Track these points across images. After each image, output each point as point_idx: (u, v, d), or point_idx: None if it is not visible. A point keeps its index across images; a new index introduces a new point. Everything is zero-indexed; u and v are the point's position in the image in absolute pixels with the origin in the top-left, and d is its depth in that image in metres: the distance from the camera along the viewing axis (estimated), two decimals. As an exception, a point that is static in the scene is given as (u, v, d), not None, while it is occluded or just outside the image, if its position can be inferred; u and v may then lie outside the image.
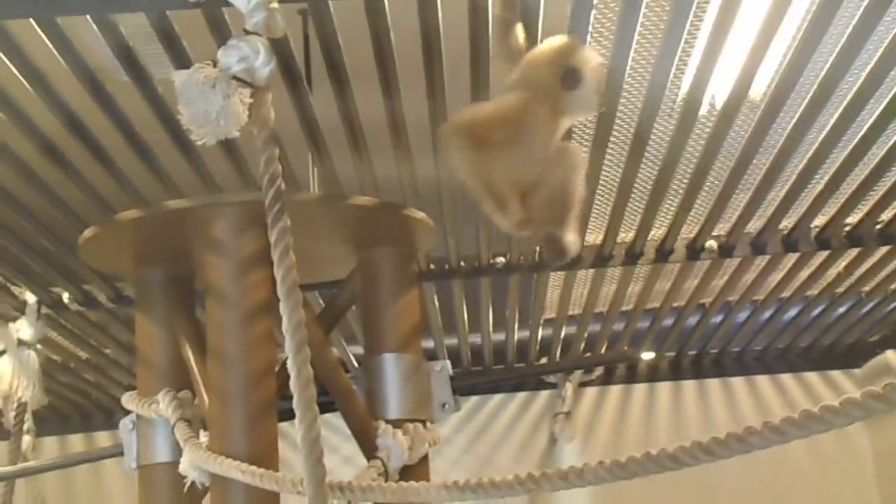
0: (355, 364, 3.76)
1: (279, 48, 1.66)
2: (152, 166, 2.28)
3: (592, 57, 1.62)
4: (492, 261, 3.06)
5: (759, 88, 2.21)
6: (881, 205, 2.83)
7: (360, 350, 3.42)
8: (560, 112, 1.60)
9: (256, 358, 1.83)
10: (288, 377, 1.44)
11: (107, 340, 3.51)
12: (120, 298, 3.06)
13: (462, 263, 3.08)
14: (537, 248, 3.02)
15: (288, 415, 1.54)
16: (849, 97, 2.20)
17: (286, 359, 1.46)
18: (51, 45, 1.76)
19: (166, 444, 2.02)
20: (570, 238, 1.62)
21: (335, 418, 2.00)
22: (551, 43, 1.63)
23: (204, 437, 1.89)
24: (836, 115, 2.29)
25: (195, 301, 2.18)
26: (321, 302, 3.05)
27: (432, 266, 3.09)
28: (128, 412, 2.11)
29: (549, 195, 1.59)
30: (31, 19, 1.66)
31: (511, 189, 1.58)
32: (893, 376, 4.13)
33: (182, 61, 1.78)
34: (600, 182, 2.57)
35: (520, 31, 1.66)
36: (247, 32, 1.45)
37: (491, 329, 3.82)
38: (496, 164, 1.56)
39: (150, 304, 2.13)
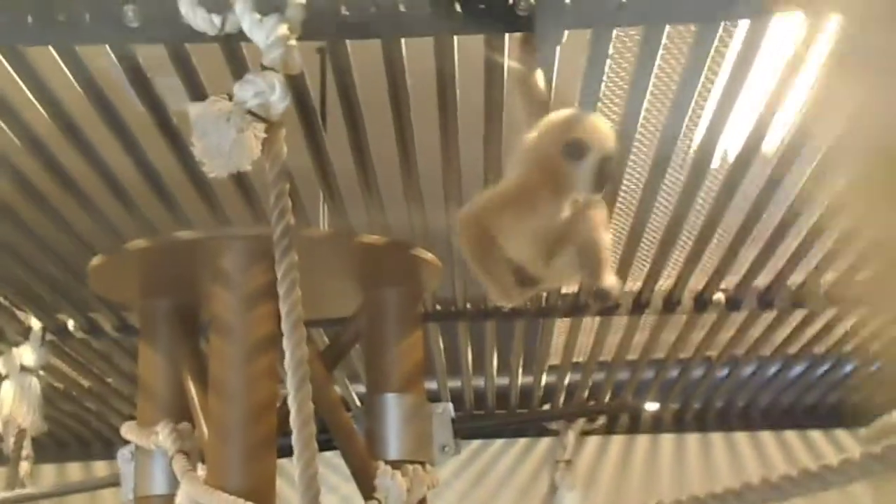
0: (357, 403, 3.74)
1: (295, 84, 1.67)
2: (163, 197, 2.29)
3: (604, 132, 1.60)
4: (498, 304, 3.05)
5: (772, 143, 2.22)
6: (890, 264, 2.82)
7: (362, 389, 3.40)
8: (566, 187, 1.58)
9: (258, 392, 1.82)
10: (289, 413, 1.43)
11: (109, 370, 3.51)
12: (125, 328, 3.06)
13: (468, 306, 3.07)
14: (544, 294, 3.02)
15: (287, 451, 1.53)
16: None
17: (287, 394, 1.46)
18: (68, 73, 1.78)
19: (163, 475, 2.01)
20: (610, 282, 1.62)
21: (335, 457, 1.99)
22: (558, 115, 1.63)
23: (202, 470, 1.88)
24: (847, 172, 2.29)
25: (199, 333, 2.18)
26: (325, 339, 3.04)
27: (438, 307, 3.09)
28: (127, 442, 2.10)
29: (580, 251, 1.59)
30: (49, 47, 1.68)
31: (527, 262, 1.59)
32: (899, 438, 4.10)
33: (198, 94, 1.80)
34: (610, 231, 2.57)
35: (540, 79, 1.66)
36: (264, 68, 1.47)
37: (495, 373, 3.80)
38: (509, 241, 1.57)
39: (155, 333, 2.12)
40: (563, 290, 3.03)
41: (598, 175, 1.57)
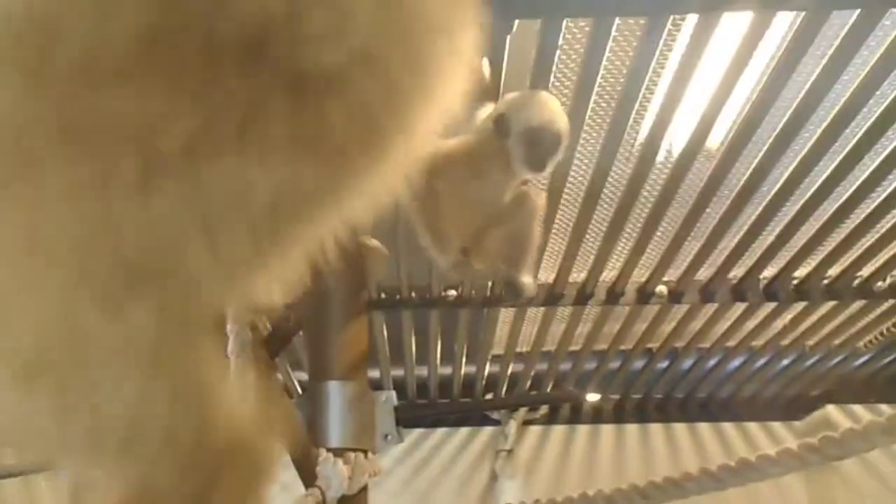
0: (299, 391, 3.72)
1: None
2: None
3: (536, 109, 1.56)
4: (443, 293, 3.06)
5: (716, 139, 2.25)
6: (829, 260, 2.87)
7: (305, 376, 3.39)
8: (505, 163, 1.55)
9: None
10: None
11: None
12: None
13: (413, 294, 3.07)
14: (489, 283, 3.03)
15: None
16: (802, 153, 2.24)
17: (229, 381, 1.44)
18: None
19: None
20: (527, 279, 1.60)
21: (275, 444, 1.98)
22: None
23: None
24: (789, 170, 2.33)
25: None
26: (268, 326, 3.02)
27: (383, 295, 3.08)
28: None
29: (508, 237, 1.57)
30: None
31: (461, 229, 1.57)
32: (833, 430, 4.17)
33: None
34: (555, 221, 2.58)
35: (486, 67, 1.66)
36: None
37: (438, 362, 3.80)
38: (449, 202, 1.55)
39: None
40: (508, 281, 3.04)
41: (528, 152, 1.53)
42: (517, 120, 1.51)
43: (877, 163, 2.29)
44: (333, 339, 2.04)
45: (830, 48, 1.84)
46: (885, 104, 2.04)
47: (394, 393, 2.11)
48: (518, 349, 3.74)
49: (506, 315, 3.39)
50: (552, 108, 1.56)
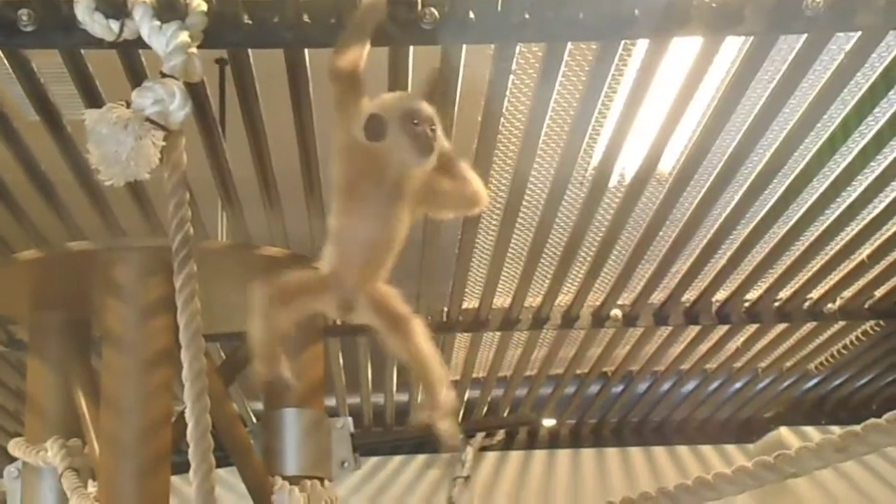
0: (254, 419, 3.69)
1: (195, 94, 1.64)
2: (55, 206, 2.23)
3: (394, 98, 1.48)
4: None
5: (668, 164, 2.27)
6: (780, 283, 2.91)
7: (259, 406, 3.35)
8: (387, 167, 1.45)
9: (152, 407, 1.78)
10: (183, 430, 1.40)
11: (-5, 385, 3.39)
12: (12, 342, 2.96)
13: (369, 321, 3.05)
14: (444, 309, 3.03)
15: (181, 468, 1.50)
16: (752, 177, 2.27)
17: (182, 410, 1.43)
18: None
19: (52, 493, 1.94)
20: (444, 397, 1.59)
21: (230, 476, 1.95)
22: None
23: (92, 487, 1.83)
24: (739, 194, 2.35)
25: (91, 347, 2.12)
26: (222, 354, 2.99)
27: (338, 322, 3.06)
28: (13, 459, 2.03)
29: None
30: (-62, 51, 1.63)
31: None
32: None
33: (95, 102, 1.75)
34: (510, 247, 2.59)
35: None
36: (163, 75, 1.44)
37: (395, 389, 3.79)
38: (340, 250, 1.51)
39: (44, 348, 2.05)
40: (465, 306, 3.04)
41: (413, 137, 1.42)
42: (391, 111, 1.43)
43: (825, 186, 2.33)
44: (289, 366, 2.03)
45: (778, 73, 1.87)
46: (833, 128, 2.08)
47: (350, 419, 2.09)
48: (474, 374, 3.74)
49: (462, 340, 3.39)
50: (408, 93, 1.53)
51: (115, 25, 1.47)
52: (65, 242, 2.02)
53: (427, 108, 1.44)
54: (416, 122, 1.42)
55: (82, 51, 1.66)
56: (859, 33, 1.74)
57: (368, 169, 1.45)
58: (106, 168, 1.38)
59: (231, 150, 2.06)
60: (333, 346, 3.26)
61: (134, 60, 1.66)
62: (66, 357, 2.03)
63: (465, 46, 1.64)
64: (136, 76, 1.66)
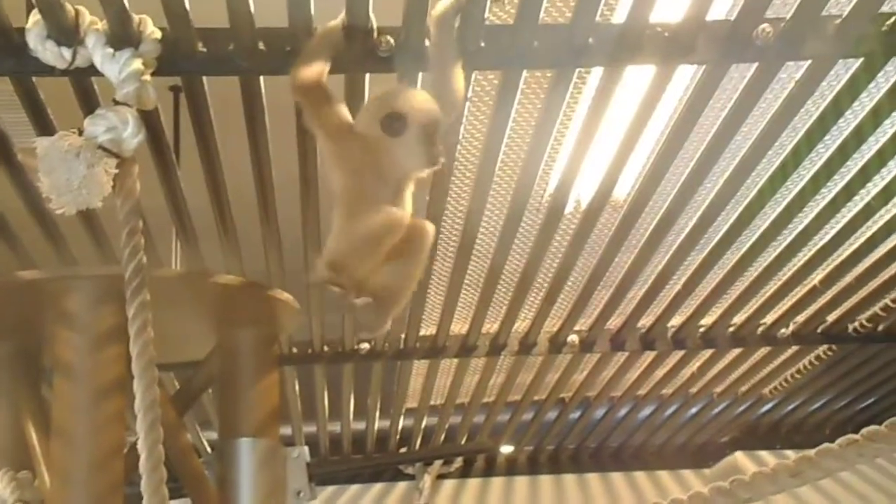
0: (208, 450, 3.64)
1: (149, 121, 1.63)
2: (5, 234, 2.20)
3: (422, 101, 1.47)
4: (356, 346, 3.04)
5: (623, 190, 2.29)
6: (734, 308, 2.94)
7: (213, 435, 3.32)
8: (392, 166, 1.46)
9: (104, 438, 1.75)
10: (135, 461, 1.38)
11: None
12: (-39, 372, 2.91)
13: (325, 348, 3.04)
14: (402, 335, 3.02)
15: (134, 500, 1.47)
16: (706, 203, 2.29)
17: (135, 441, 1.41)
18: None
19: (1, 527, 1.91)
20: (382, 324, 1.53)
21: (184, 506, 1.93)
22: (374, 95, 1.52)
23: (43, 521, 1.79)
24: (693, 220, 2.38)
25: (41, 377, 2.08)
26: (176, 384, 2.96)
27: (294, 350, 3.04)
28: (-40, 493, 1.98)
29: (351, 245, 1.46)
30: None
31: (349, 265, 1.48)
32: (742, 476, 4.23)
33: (47, 130, 1.73)
34: (467, 273, 2.59)
35: None
36: (116, 103, 1.43)
37: (352, 417, 3.77)
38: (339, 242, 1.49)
39: (-6, 378, 2.02)
40: (422, 333, 3.04)
41: (426, 146, 1.45)
42: (415, 113, 1.45)
43: (777, 212, 2.36)
44: (244, 394, 2.00)
45: (730, 101, 1.89)
46: (784, 155, 2.11)
47: (306, 449, 2.08)
48: (432, 402, 3.73)
49: (419, 367, 3.38)
50: (431, 100, 1.52)
51: (67, 53, 1.46)
52: (15, 271, 1.99)
53: (442, 120, 1.45)
54: (434, 132, 1.42)
55: (33, 78, 1.64)
56: (809, 62, 1.77)
57: (370, 166, 1.45)
58: (57, 196, 1.37)
59: (185, 178, 2.04)
60: (290, 374, 3.23)
61: (86, 87, 1.64)
62: (15, 387, 1.99)
63: (420, 74, 1.64)
64: (89, 103, 1.64)
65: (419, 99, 1.48)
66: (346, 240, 1.47)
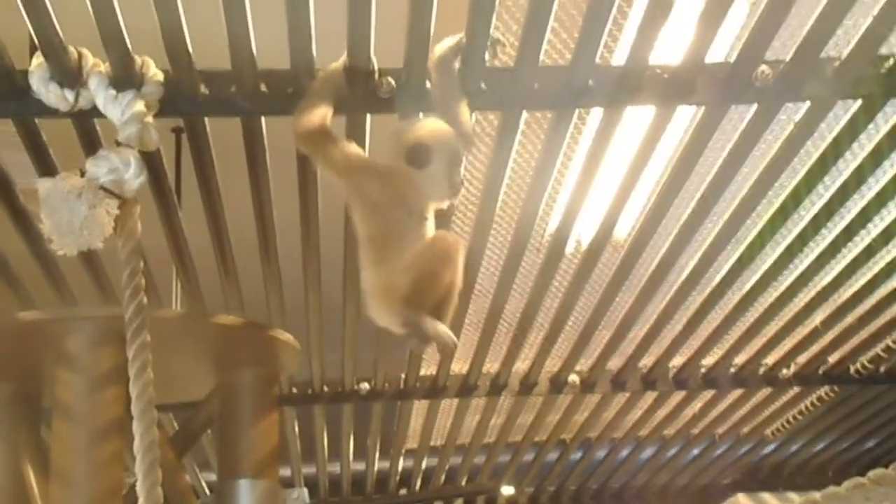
0: (207, 492, 3.62)
1: (150, 162, 1.63)
2: (6, 275, 2.19)
3: (444, 132, 1.49)
4: (356, 386, 3.03)
5: (623, 230, 2.29)
6: (735, 349, 2.93)
7: (212, 477, 3.30)
8: (417, 195, 1.47)
9: (103, 480, 1.73)
10: (134, 502, 1.37)
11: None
12: (-41, 413, 2.89)
13: (325, 388, 3.03)
14: (402, 375, 3.01)
15: (133, 542, 1.46)
16: (706, 243, 2.29)
17: (134, 482, 1.40)
18: None
19: (-2, 570, 1.89)
20: (438, 327, 1.46)
21: (183, 548, 1.91)
22: (394, 128, 1.52)
23: (40, 564, 1.78)
24: (694, 260, 2.38)
25: (41, 418, 2.07)
26: (175, 424, 2.94)
27: (294, 390, 3.03)
28: (-42, 535, 1.97)
29: (418, 279, 1.45)
30: None
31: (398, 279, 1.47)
32: (744, 518, 4.21)
33: (49, 171, 1.73)
34: (468, 313, 2.59)
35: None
36: (118, 144, 1.43)
37: (351, 458, 3.74)
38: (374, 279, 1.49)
39: (-8, 419, 2.01)
40: (422, 372, 3.03)
41: (449, 176, 1.46)
42: (440, 146, 1.46)
43: (778, 252, 2.36)
44: (244, 435, 2.00)
45: (730, 141, 1.90)
46: (785, 195, 2.11)
47: (305, 490, 2.07)
48: (432, 442, 3.71)
49: (419, 407, 3.36)
50: (451, 130, 1.52)
51: (70, 95, 1.47)
52: (15, 312, 1.99)
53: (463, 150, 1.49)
54: (457, 161, 1.46)
55: (36, 120, 1.65)
56: (808, 103, 1.77)
57: (393, 199, 1.46)
58: (59, 237, 1.37)
59: (187, 219, 2.04)
60: (289, 414, 3.22)
61: (89, 129, 1.65)
62: (14, 429, 1.98)
63: (421, 115, 1.65)
64: (91, 144, 1.65)
65: (441, 129, 1.49)
66: (412, 274, 1.45)
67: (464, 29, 1.50)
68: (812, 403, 3.47)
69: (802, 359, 3.04)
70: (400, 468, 3.92)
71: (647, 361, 3.05)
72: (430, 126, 1.49)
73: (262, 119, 1.69)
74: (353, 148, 1.53)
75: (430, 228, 1.51)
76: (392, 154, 1.48)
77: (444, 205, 1.52)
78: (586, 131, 1.92)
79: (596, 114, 1.82)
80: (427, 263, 1.45)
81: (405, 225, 1.48)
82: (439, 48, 1.51)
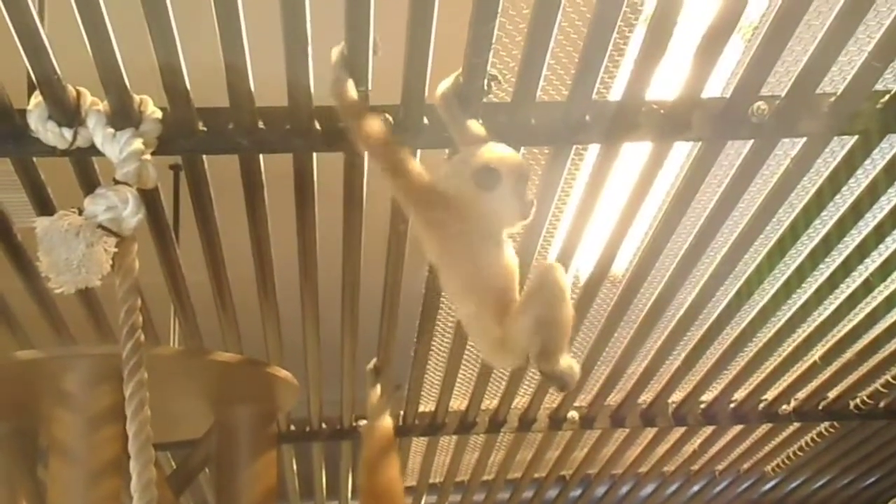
0: (205, 530, 3.59)
1: (148, 199, 1.63)
2: (2, 314, 2.19)
3: (510, 154, 1.48)
4: (354, 423, 3.01)
5: (621, 266, 2.29)
6: (734, 384, 2.92)
7: (211, 515, 3.27)
8: (488, 220, 1.44)
9: (99, 520, 1.73)
10: (132, 542, 1.36)
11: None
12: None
13: (324, 425, 3.01)
14: (401, 412, 2.99)
15: (129, 583, 1.45)
16: (704, 279, 2.29)
17: (132, 521, 1.38)
18: None
19: None
20: (568, 363, 1.43)
21: (180, 588, 1.89)
22: (461, 153, 1.50)
23: None
24: (692, 296, 2.37)
25: (38, 458, 2.06)
26: (172, 463, 2.92)
27: (292, 427, 3.02)
28: (-48, 576, 1.95)
29: (547, 334, 1.40)
30: None
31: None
32: (746, 555, 4.18)
33: (46, 209, 1.73)
34: (465, 349, 2.58)
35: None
36: (116, 182, 1.44)
37: (350, 495, 3.72)
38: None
39: (-11, 458, 2.00)
40: (421, 409, 3.01)
41: (519, 197, 1.44)
42: (509, 170, 1.44)
43: (776, 287, 2.36)
44: (242, 473, 1.99)
45: (727, 177, 1.90)
46: (782, 230, 2.11)
47: (304, 530, 2.05)
48: (431, 479, 3.69)
49: (418, 444, 3.34)
50: (515, 151, 1.54)
51: (68, 134, 1.48)
52: (13, 351, 1.99)
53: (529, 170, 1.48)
54: (525, 182, 1.45)
55: (34, 159, 1.65)
56: (805, 139, 1.78)
57: (465, 227, 1.43)
58: (56, 275, 1.37)
59: (185, 256, 2.04)
60: (287, 452, 3.20)
61: (87, 167, 1.65)
62: (11, 468, 1.98)
63: (419, 151, 1.66)
64: (89, 182, 1.65)
65: (506, 152, 1.48)
66: (536, 328, 1.41)
67: (460, 66, 1.51)
68: (812, 439, 3.46)
69: (802, 394, 3.03)
70: (399, 506, 3.89)
71: (646, 397, 3.04)
72: (492, 149, 1.47)
73: (261, 156, 1.70)
74: (419, 168, 1.47)
75: (509, 252, 1.49)
76: (460, 180, 1.45)
77: (517, 227, 1.51)
78: (583, 167, 1.93)
79: (593, 149, 1.83)
80: (547, 310, 1.42)
81: (485, 251, 1.46)
82: (441, 87, 1.52)
